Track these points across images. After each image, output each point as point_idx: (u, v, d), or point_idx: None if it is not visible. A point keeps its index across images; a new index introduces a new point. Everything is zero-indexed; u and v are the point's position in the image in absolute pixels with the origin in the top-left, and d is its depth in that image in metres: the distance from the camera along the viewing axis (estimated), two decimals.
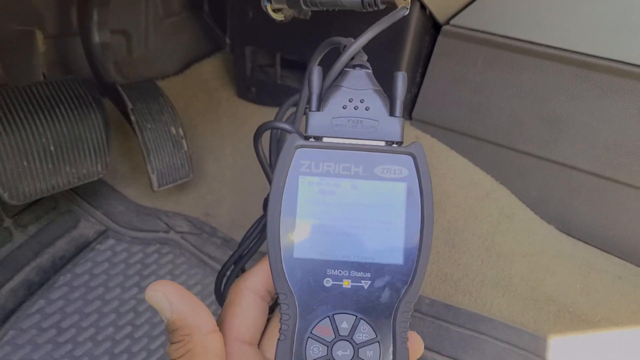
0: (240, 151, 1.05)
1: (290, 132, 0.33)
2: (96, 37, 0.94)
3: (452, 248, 0.86)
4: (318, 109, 0.31)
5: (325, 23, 0.95)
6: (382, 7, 0.42)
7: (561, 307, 0.80)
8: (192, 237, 0.96)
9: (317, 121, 0.31)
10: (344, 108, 0.31)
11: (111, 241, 0.91)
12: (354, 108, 0.31)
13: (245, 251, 0.41)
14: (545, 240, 0.88)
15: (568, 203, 0.89)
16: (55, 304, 0.80)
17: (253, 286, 0.34)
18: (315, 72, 0.31)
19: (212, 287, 0.88)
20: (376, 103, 0.31)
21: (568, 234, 0.91)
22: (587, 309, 0.79)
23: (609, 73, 0.78)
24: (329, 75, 0.32)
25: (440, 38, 0.90)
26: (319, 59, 0.36)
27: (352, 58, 0.32)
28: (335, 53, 0.33)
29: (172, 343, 0.31)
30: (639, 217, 0.84)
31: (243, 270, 0.42)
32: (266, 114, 1.09)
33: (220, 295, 0.43)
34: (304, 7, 0.47)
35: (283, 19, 0.53)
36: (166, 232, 0.96)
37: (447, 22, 0.89)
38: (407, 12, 0.34)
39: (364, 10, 0.43)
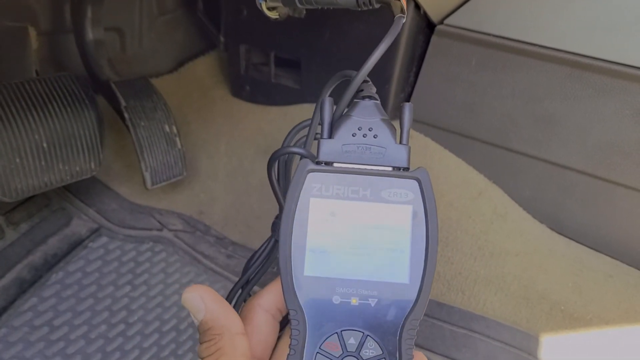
0: (234, 149, 1.05)
1: (304, 157, 0.34)
2: (90, 35, 0.94)
3: (445, 247, 0.86)
4: (329, 137, 0.33)
5: (319, 22, 0.96)
6: (376, 6, 0.42)
7: (553, 305, 0.80)
8: (186, 235, 0.96)
9: (328, 148, 0.33)
10: (353, 136, 0.33)
11: (104, 239, 0.91)
12: (363, 136, 0.33)
13: (252, 276, 0.42)
14: (537, 239, 0.89)
15: (561, 202, 0.89)
16: (47, 302, 0.79)
17: (265, 304, 0.36)
18: (327, 103, 0.33)
19: (206, 285, 0.87)
20: (384, 131, 0.33)
21: (560, 233, 0.91)
22: (579, 307, 0.80)
23: (602, 73, 0.78)
24: (339, 106, 0.34)
25: (434, 38, 0.90)
26: (330, 90, 0.38)
27: (362, 90, 0.34)
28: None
29: (202, 342, 0.32)
30: (630, 216, 0.84)
31: (249, 295, 0.43)
32: (260, 112, 1.09)
33: None
34: (298, 5, 0.47)
35: (278, 17, 0.53)
36: (159, 230, 0.95)
37: (441, 22, 0.89)
38: (404, 20, 0.35)
39: (359, 9, 0.43)
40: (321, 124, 0.34)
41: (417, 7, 0.85)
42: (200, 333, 0.33)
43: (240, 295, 0.42)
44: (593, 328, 0.78)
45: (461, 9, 0.87)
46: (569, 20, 0.80)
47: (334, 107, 0.34)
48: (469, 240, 0.86)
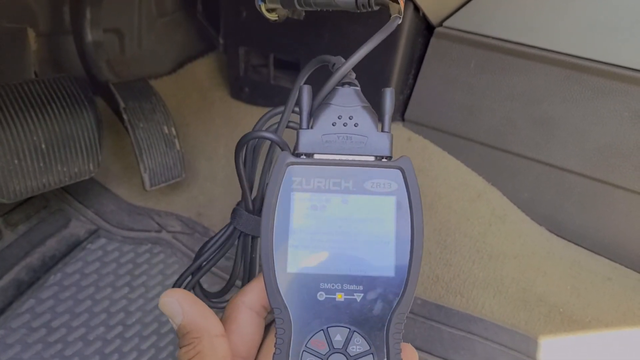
0: (233, 151, 1.04)
1: (273, 141, 0.34)
2: (89, 36, 0.94)
3: (443, 249, 0.86)
4: (308, 127, 0.32)
5: (319, 23, 0.96)
6: (375, 8, 0.42)
7: (552, 308, 0.80)
8: (184, 237, 0.96)
9: (307, 138, 0.32)
10: (333, 125, 0.32)
11: (102, 240, 0.91)
12: (343, 125, 0.32)
13: (204, 263, 0.40)
14: (536, 241, 0.89)
15: (559, 204, 0.89)
16: (45, 304, 0.79)
17: (249, 302, 0.35)
18: (305, 91, 0.32)
19: (204, 286, 0.87)
20: (365, 119, 0.32)
21: (559, 235, 0.91)
22: (578, 310, 0.80)
23: (601, 75, 0.78)
24: (319, 94, 0.33)
25: (433, 40, 0.90)
26: (307, 76, 0.37)
27: None
28: (324, 70, 0.34)
29: (181, 347, 0.32)
30: (629, 218, 0.84)
31: (200, 285, 0.42)
32: (259, 114, 1.08)
33: None
34: (297, 7, 0.47)
35: (277, 19, 0.53)
36: (158, 231, 0.95)
37: (440, 24, 0.89)
38: (400, 21, 0.35)
39: (358, 11, 0.43)
40: (299, 113, 0.33)
41: (416, 9, 0.85)
42: (179, 337, 0.33)
43: (189, 282, 0.40)
44: (592, 331, 0.78)
45: (460, 11, 0.87)
46: (568, 22, 0.80)
47: (313, 95, 0.33)
48: (468, 242, 0.86)
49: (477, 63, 0.87)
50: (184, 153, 0.95)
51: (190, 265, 0.40)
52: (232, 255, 0.42)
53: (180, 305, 0.32)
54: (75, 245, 0.88)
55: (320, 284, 0.31)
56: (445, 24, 0.88)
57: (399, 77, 0.93)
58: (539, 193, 0.90)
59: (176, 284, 0.40)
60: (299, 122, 0.33)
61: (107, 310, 0.81)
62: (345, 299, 0.31)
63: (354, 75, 0.34)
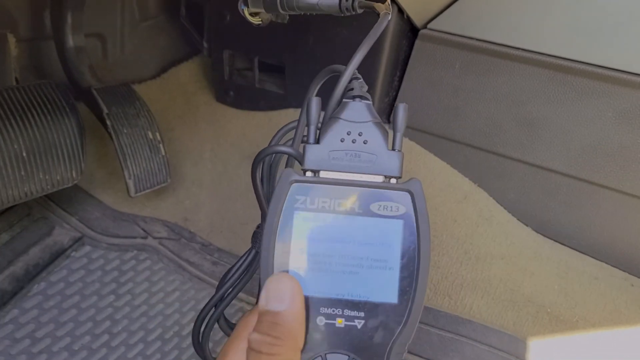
0: (219, 155, 1.04)
1: (291, 155, 0.33)
2: (70, 41, 0.92)
3: (431, 251, 0.86)
4: (315, 142, 0.31)
5: (303, 27, 0.95)
6: (359, 11, 0.42)
7: (540, 308, 0.81)
8: (171, 243, 0.95)
9: (314, 154, 0.30)
10: (341, 141, 0.30)
11: (87, 248, 0.89)
12: (352, 141, 0.30)
13: (227, 293, 0.38)
14: (523, 242, 0.89)
15: (545, 205, 0.89)
16: (29, 314, 0.78)
17: None
18: (314, 103, 0.31)
19: (191, 292, 0.87)
20: (375, 136, 0.30)
21: (546, 236, 0.92)
22: (565, 310, 0.80)
23: (585, 76, 0.79)
24: (327, 107, 0.32)
25: (417, 42, 0.90)
26: (318, 87, 0.35)
27: (352, 89, 0.32)
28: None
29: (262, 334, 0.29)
30: (614, 218, 0.85)
31: (225, 317, 0.39)
32: (245, 117, 1.08)
33: (199, 345, 0.40)
34: (281, 11, 0.47)
35: (260, 23, 0.53)
36: (144, 238, 0.94)
37: (425, 26, 0.89)
38: (390, 18, 0.34)
39: (342, 15, 0.43)
40: (307, 126, 0.31)
41: (401, 11, 0.85)
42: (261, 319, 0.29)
43: (213, 315, 0.38)
44: (579, 330, 0.78)
45: (444, 13, 0.87)
46: (551, 24, 0.80)
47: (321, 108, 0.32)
48: (455, 244, 0.86)
49: (462, 65, 0.87)
50: (169, 158, 0.95)
51: (213, 296, 0.38)
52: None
53: (293, 297, 0.29)
54: (59, 254, 0.87)
55: (321, 309, 0.30)
56: (429, 26, 0.88)
57: (384, 80, 0.93)
58: (525, 194, 0.91)
59: (199, 318, 0.38)
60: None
61: (92, 319, 0.80)
62: (345, 325, 0.30)
63: (366, 87, 0.32)
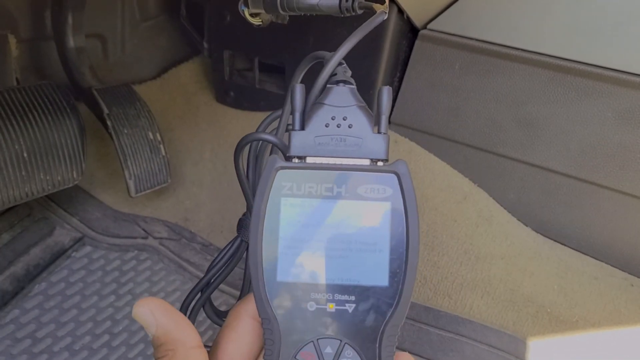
0: (219, 155, 1.04)
1: (273, 143, 0.32)
2: (71, 42, 0.92)
3: (431, 251, 0.86)
4: (301, 128, 0.31)
5: (303, 27, 0.95)
6: (359, 12, 0.42)
7: (539, 308, 0.81)
8: (171, 243, 0.95)
9: (299, 141, 0.30)
10: (326, 126, 0.30)
11: (88, 248, 0.90)
12: (337, 126, 0.30)
13: (213, 279, 0.39)
14: (523, 242, 0.89)
15: (545, 205, 0.90)
16: (30, 314, 0.78)
17: (251, 310, 0.33)
18: (298, 90, 0.31)
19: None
20: (360, 120, 0.30)
21: (545, 236, 0.92)
22: (565, 310, 0.80)
23: (584, 76, 0.79)
24: (311, 93, 0.32)
25: (417, 43, 0.90)
26: (302, 74, 0.35)
27: (335, 74, 0.32)
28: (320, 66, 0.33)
29: (156, 359, 0.31)
30: (614, 218, 0.85)
31: (211, 302, 0.40)
32: (245, 118, 1.08)
33: None
34: (281, 11, 0.47)
35: (260, 23, 0.53)
36: (144, 238, 0.94)
37: (425, 27, 0.89)
38: (385, 17, 0.34)
39: (342, 15, 0.43)
40: (292, 113, 0.31)
41: (400, 12, 0.85)
42: (154, 348, 0.31)
43: (199, 299, 0.39)
44: (579, 330, 0.78)
45: (444, 13, 0.87)
46: (551, 24, 0.80)
47: (306, 94, 0.31)
48: (455, 244, 0.87)
49: (462, 65, 0.87)
50: (169, 158, 0.95)
51: (199, 282, 0.38)
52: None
53: (154, 316, 0.31)
54: (60, 254, 0.87)
55: (311, 294, 0.29)
56: (429, 26, 0.89)
57: (384, 80, 0.93)
58: (524, 194, 0.91)
59: (185, 302, 0.38)
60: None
61: (93, 319, 0.80)
62: (336, 309, 0.29)
63: (349, 72, 0.32)
